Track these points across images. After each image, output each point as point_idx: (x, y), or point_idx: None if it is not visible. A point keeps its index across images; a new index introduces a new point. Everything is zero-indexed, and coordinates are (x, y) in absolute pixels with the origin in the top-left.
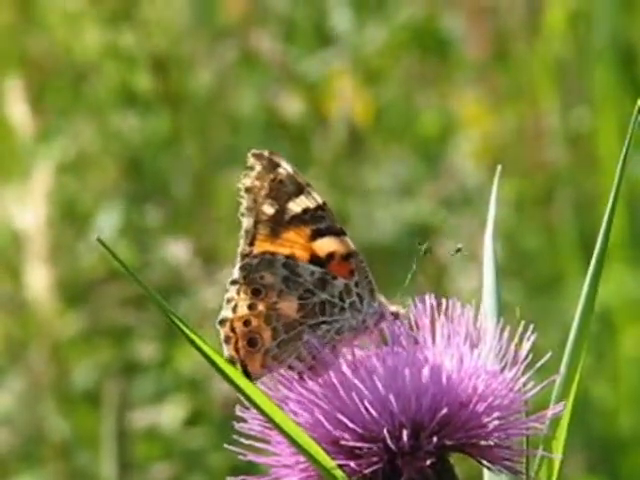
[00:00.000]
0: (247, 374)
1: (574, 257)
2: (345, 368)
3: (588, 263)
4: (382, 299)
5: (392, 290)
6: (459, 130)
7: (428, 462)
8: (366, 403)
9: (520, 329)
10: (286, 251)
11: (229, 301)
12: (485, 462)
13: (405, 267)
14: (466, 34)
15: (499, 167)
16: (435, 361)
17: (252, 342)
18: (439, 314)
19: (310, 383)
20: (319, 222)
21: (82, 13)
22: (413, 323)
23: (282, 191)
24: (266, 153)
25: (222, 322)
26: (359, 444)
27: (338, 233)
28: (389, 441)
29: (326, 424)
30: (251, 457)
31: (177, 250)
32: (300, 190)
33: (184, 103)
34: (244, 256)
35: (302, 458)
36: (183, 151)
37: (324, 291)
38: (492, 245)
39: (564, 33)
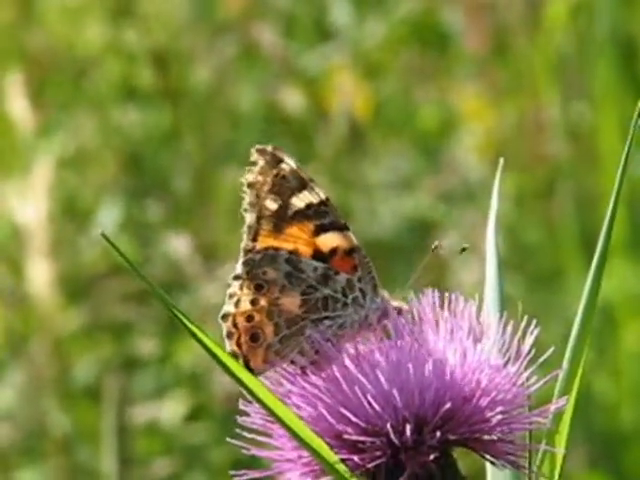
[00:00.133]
0: (249, 369)
1: (575, 251)
2: (348, 362)
3: (589, 257)
4: (385, 294)
5: (392, 284)
6: (459, 124)
7: (431, 457)
8: (369, 397)
9: (523, 323)
10: (289, 246)
11: (232, 296)
12: (488, 456)
13: (405, 261)
14: (466, 28)
15: (501, 161)
16: (438, 355)
17: (254, 337)
18: (442, 308)
19: (313, 377)
20: (322, 217)
21: (82, 8)
22: (416, 317)
23: (285, 186)
24: (269, 148)
25: (224, 317)
26: (362, 438)
27: (341, 228)
28: (392, 435)
29: (329, 418)
30: (253, 451)
31: (178, 245)
32: (303, 185)
33: (184, 98)
34: (247, 251)
35: (305, 452)
36: (183, 146)
37: (327, 286)
38: (494, 239)
39: (564, 27)
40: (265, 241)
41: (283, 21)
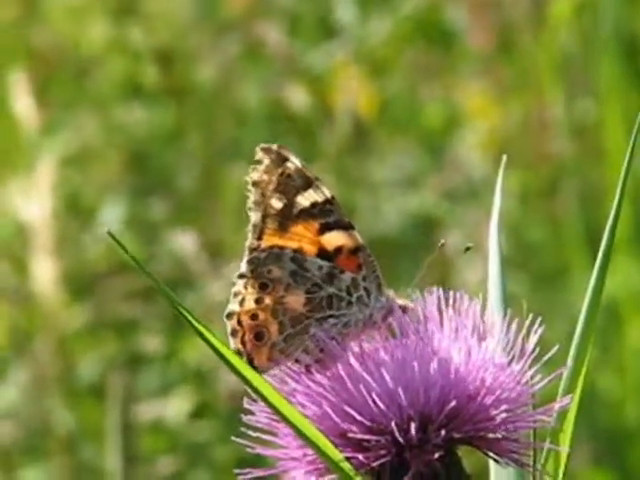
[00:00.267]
0: (253, 367)
1: (579, 249)
2: (353, 360)
3: (593, 255)
4: (390, 293)
5: (397, 281)
6: (464, 122)
7: (436, 455)
8: (374, 396)
9: (527, 322)
10: (294, 245)
11: (236, 295)
12: (492, 455)
13: (410, 259)
14: (470, 26)
15: (504, 158)
16: (443, 354)
17: (259, 336)
18: (446, 307)
19: (318, 376)
20: (327, 216)
21: (86, 7)
22: (421, 316)
23: (290, 185)
24: (274, 147)
25: (229, 315)
26: (367, 437)
27: (346, 227)
28: (397, 434)
29: (334, 416)
30: (258, 450)
31: (183, 243)
32: (308, 184)
33: (189, 96)
34: (252, 250)
35: (309, 451)
36: (188, 144)
37: (332, 285)
38: (497, 237)
39: (569, 24)
40: (270, 240)
41: (287, 19)
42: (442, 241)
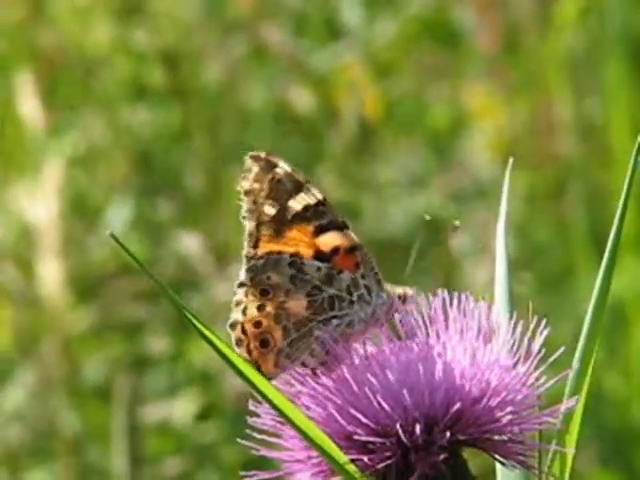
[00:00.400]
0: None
1: (586, 250)
2: (358, 363)
3: (600, 256)
4: (389, 288)
5: (403, 283)
6: (470, 123)
7: (441, 457)
8: (379, 398)
9: (533, 323)
10: (291, 250)
11: (238, 304)
12: (498, 457)
13: (416, 260)
14: (477, 26)
15: (511, 160)
16: (448, 356)
17: (264, 343)
18: (452, 308)
19: (323, 378)
20: (321, 218)
21: (92, 7)
22: (426, 317)
23: (281, 190)
24: (262, 154)
25: (233, 325)
26: (372, 439)
27: (341, 227)
28: (402, 436)
29: (339, 419)
30: (263, 452)
31: (189, 244)
32: (299, 187)
33: (194, 97)
34: (249, 258)
35: (314, 453)
36: (193, 145)
37: (331, 286)
38: (504, 238)
39: (575, 25)
40: (266, 246)
41: (293, 20)
42: (457, 223)
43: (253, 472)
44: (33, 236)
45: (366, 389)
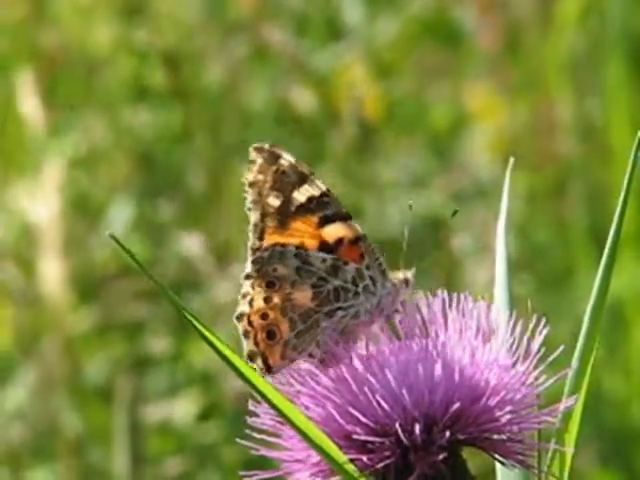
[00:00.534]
0: (268, 367)
1: (586, 250)
2: (357, 362)
3: (600, 256)
4: (392, 277)
5: None
6: (471, 123)
7: (440, 457)
8: (378, 397)
9: (532, 322)
10: (296, 241)
11: (245, 296)
12: (497, 456)
13: (417, 260)
14: (478, 26)
15: (511, 160)
16: (447, 355)
17: (271, 334)
18: (451, 308)
19: (322, 378)
20: (325, 209)
21: (94, 7)
22: (425, 317)
23: (285, 182)
24: (266, 146)
25: (240, 317)
26: (371, 438)
27: (345, 218)
28: (401, 435)
29: (338, 418)
30: (263, 451)
31: (190, 244)
32: (303, 179)
33: (196, 97)
34: (255, 250)
35: (314, 452)
36: (195, 145)
37: (337, 277)
38: (504, 237)
39: (576, 25)
40: (271, 238)
41: (295, 20)
42: (456, 210)
43: (253, 472)
44: (34, 236)
45: (365, 389)
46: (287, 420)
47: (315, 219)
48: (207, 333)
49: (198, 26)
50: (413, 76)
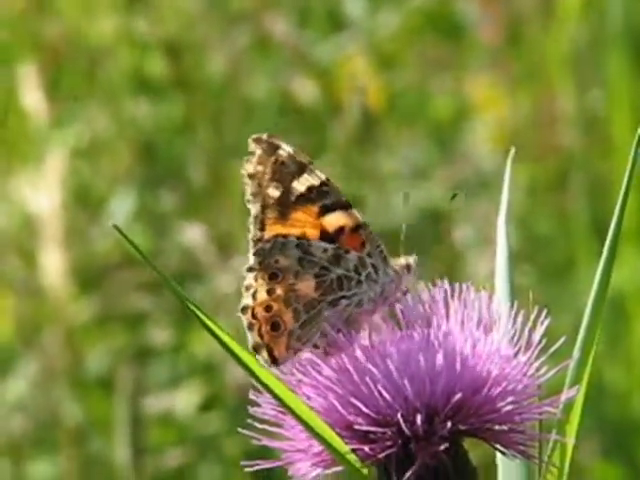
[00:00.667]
0: (274, 359)
1: (587, 242)
2: (359, 353)
3: (601, 248)
4: (394, 263)
5: None
6: (473, 115)
7: (442, 447)
8: (380, 387)
9: (534, 313)
10: (297, 231)
11: (248, 288)
12: (499, 447)
13: (419, 251)
14: (480, 18)
15: (512, 151)
16: (449, 346)
17: (275, 326)
18: (453, 299)
19: (324, 368)
20: (325, 198)
21: None
22: (427, 308)
23: (285, 172)
24: (265, 136)
25: (244, 310)
26: (373, 428)
27: (345, 207)
28: (403, 425)
29: (340, 408)
30: (265, 442)
31: (192, 235)
32: (302, 169)
33: (197, 88)
34: (256, 242)
35: (316, 442)
36: (197, 136)
37: (339, 266)
38: (506, 229)
39: (578, 17)
40: (272, 229)
41: (297, 11)
42: (456, 193)
43: (255, 462)
44: (36, 226)
45: (367, 379)
46: (289, 410)
47: (315, 209)
48: (209, 323)
49: (200, 16)
50: (415, 68)
